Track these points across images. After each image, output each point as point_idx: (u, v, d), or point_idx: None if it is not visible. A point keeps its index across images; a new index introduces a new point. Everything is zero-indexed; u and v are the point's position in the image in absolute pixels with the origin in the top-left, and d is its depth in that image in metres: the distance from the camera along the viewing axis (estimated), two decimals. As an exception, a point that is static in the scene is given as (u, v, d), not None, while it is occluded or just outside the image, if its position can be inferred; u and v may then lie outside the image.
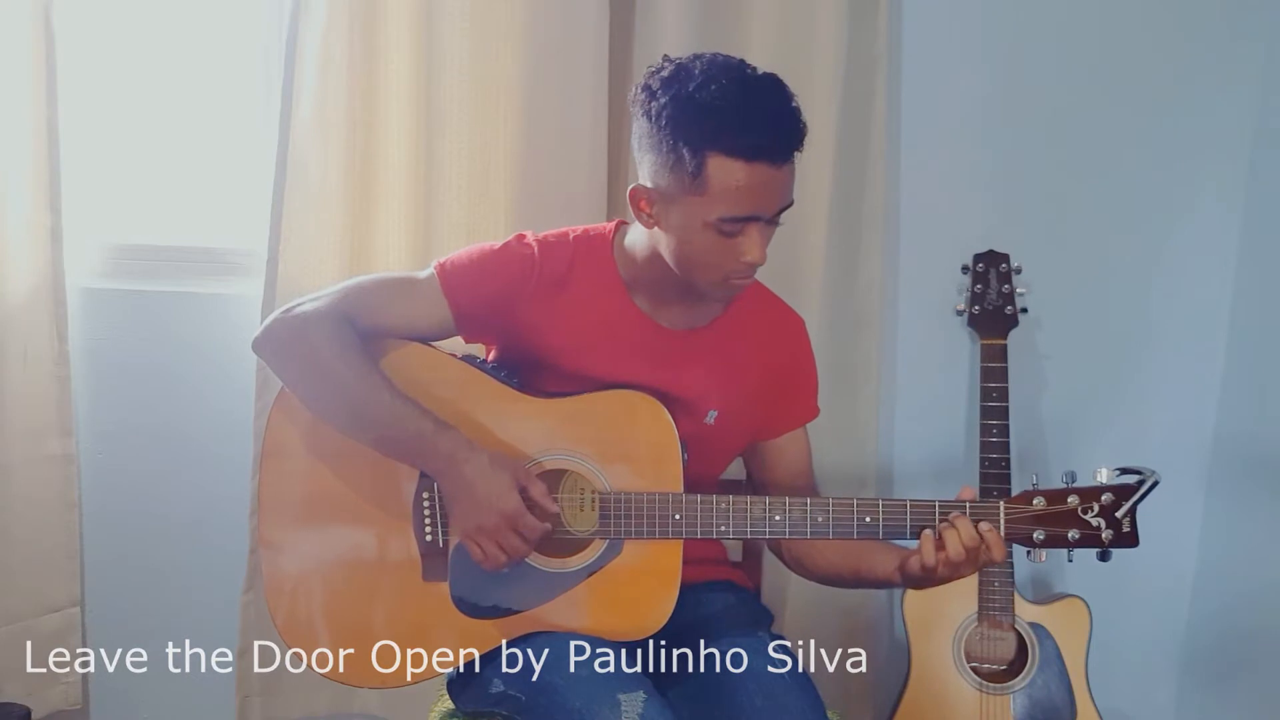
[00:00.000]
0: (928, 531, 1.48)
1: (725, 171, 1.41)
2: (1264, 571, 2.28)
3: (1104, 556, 1.49)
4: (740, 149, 1.40)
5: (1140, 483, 1.46)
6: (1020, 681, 2.14)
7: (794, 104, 1.45)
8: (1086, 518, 1.47)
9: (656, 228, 1.51)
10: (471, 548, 1.50)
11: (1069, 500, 1.48)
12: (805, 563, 1.67)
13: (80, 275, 2.19)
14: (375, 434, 1.54)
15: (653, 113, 1.45)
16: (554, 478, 1.56)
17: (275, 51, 2.14)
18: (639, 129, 1.49)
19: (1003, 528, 1.48)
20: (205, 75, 2.27)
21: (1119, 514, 1.47)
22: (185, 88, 2.27)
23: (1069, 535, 1.48)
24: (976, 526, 1.46)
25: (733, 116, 1.40)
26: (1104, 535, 1.47)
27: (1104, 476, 1.48)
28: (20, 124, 2.03)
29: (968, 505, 1.48)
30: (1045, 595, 2.34)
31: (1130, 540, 1.47)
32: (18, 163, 2.04)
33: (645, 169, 1.49)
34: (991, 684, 2.15)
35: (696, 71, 1.43)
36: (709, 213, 1.43)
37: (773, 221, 1.49)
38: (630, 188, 1.51)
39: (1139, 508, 1.47)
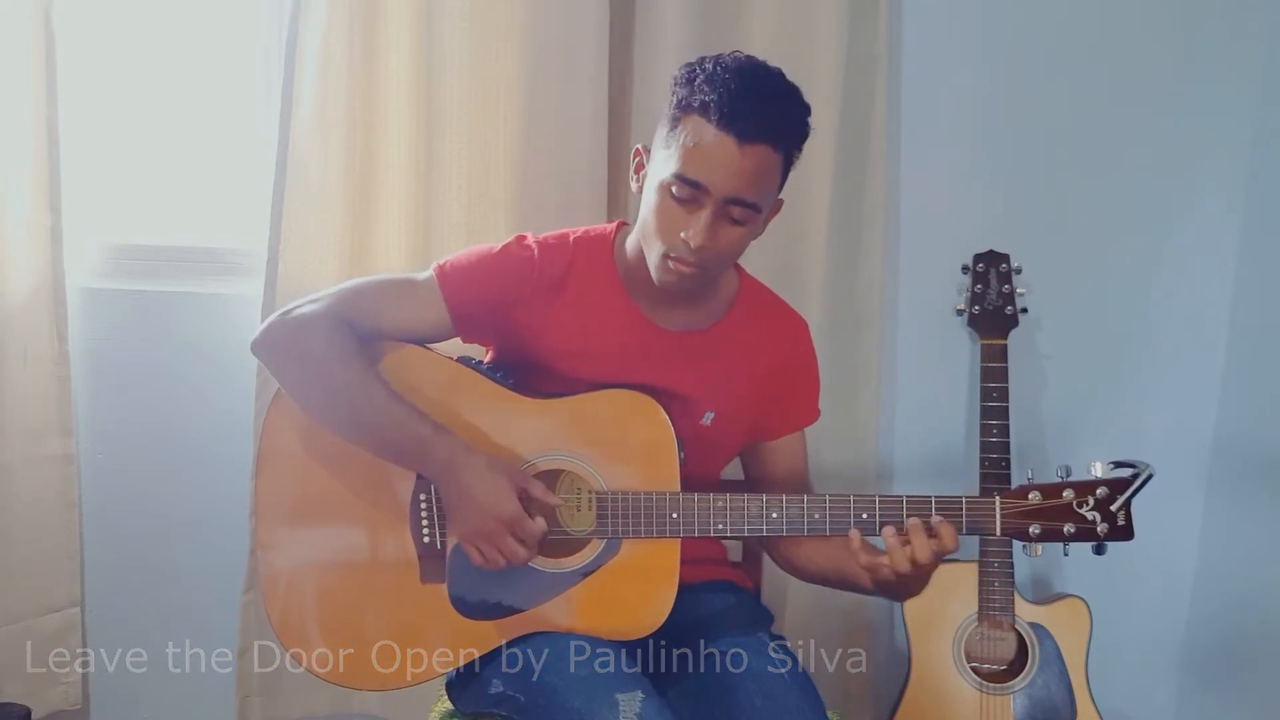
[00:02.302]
0: (889, 528, 1.47)
1: (693, 129, 1.44)
2: (1264, 571, 2.28)
3: (1099, 550, 1.49)
4: (713, 112, 1.42)
5: (1135, 476, 1.46)
6: (1020, 681, 2.14)
7: (793, 101, 1.47)
8: (1082, 512, 1.47)
9: (640, 193, 1.54)
10: (470, 552, 1.50)
11: (1064, 494, 1.48)
12: (795, 563, 1.68)
13: (80, 275, 2.19)
14: (372, 437, 1.54)
15: (673, 81, 1.50)
16: (550, 478, 1.56)
17: (275, 51, 2.14)
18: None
19: (998, 522, 1.48)
20: (205, 75, 2.27)
21: (1114, 507, 1.47)
22: (185, 88, 2.27)
23: (1064, 529, 1.48)
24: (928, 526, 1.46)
25: (721, 86, 1.43)
26: (1099, 529, 1.47)
27: (1099, 470, 1.48)
28: (20, 124, 2.03)
29: (964, 500, 1.48)
30: (1045, 595, 2.34)
31: (1125, 534, 1.47)
32: (18, 163, 2.04)
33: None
34: (992, 684, 2.15)
35: (726, 54, 1.49)
36: (667, 168, 1.46)
37: (725, 213, 1.46)
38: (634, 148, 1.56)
39: (1135, 501, 1.47)
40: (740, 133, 1.42)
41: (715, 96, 1.42)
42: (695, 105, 1.44)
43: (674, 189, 1.45)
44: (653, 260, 1.52)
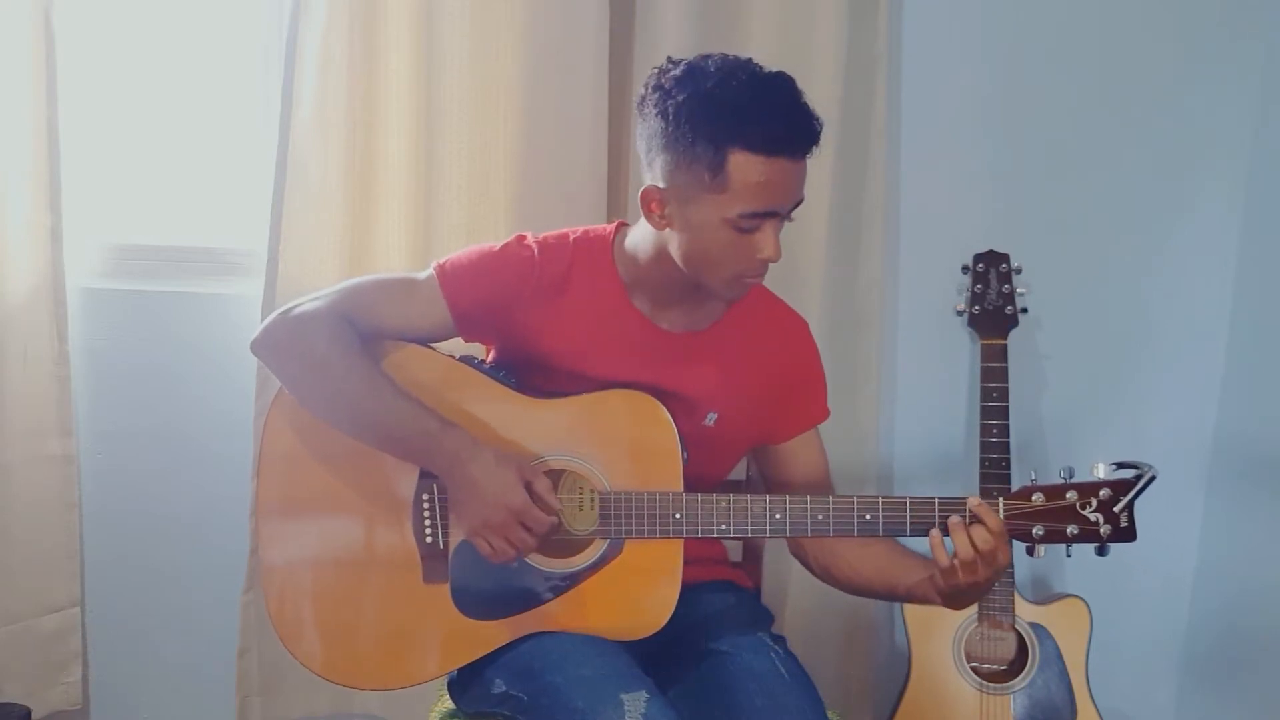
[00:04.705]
0: (935, 531, 1.47)
1: (746, 167, 1.41)
2: (1264, 571, 2.28)
3: (1102, 551, 1.49)
4: (761, 144, 1.40)
5: (1138, 477, 1.46)
6: (1020, 681, 2.14)
7: (805, 100, 1.45)
8: (1085, 513, 1.47)
9: (668, 228, 1.51)
10: (479, 544, 1.50)
11: (1067, 496, 1.48)
12: (833, 573, 1.65)
13: (80, 275, 2.19)
14: (378, 433, 1.54)
15: (669, 111, 1.44)
16: (553, 478, 1.56)
17: (275, 52, 2.14)
18: (650, 129, 1.48)
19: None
20: (205, 75, 2.27)
21: (1117, 509, 1.47)
22: (185, 88, 2.27)
23: (1068, 531, 1.48)
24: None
25: (753, 112, 1.40)
26: (1102, 530, 1.47)
27: (1101, 472, 1.48)
28: (20, 124, 2.03)
29: (968, 501, 1.48)
30: (1045, 595, 2.35)
31: (1128, 535, 1.48)
32: (18, 163, 2.04)
33: (657, 169, 1.48)
34: (992, 684, 2.15)
35: (711, 69, 1.44)
36: (728, 209, 1.43)
37: (787, 217, 1.49)
38: (641, 189, 1.50)
39: (1137, 502, 1.47)
40: (792, 153, 1.42)
41: (763, 131, 1.40)
42: (740, 141, 1.40)
43: (742, 224, 1.44)
44: (721, 281, 1.51)
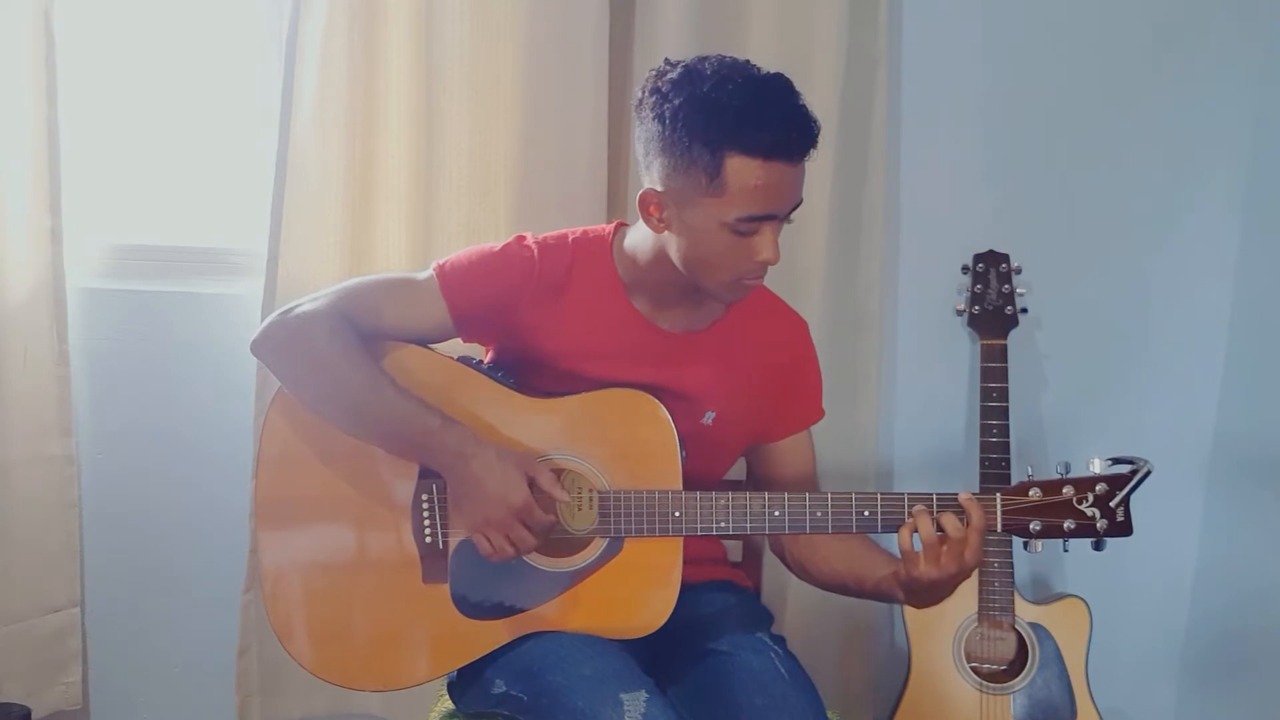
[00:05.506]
0: (910, 520, 1.47)
1: (744, 171, 1.41)
2: (1264, 571, 2.28)
3: (1098, 546, 1.49)
4: (759, 147, 1.40)
5: (1134, 472, 1.47)
6: (1020, 682, 2.14)
7: (803, 103, 1.45)
8: (1081, 508, 1.48)
9: (667, 231, 1.51)
10: (480, 541, 1.49)
11: (1064, 491, 1.48)
12: (808, 567, 1.66)
13: (80, 275, 2.19)
14: (379, 431, 1.54)
15: (665, 115, 1.43)
16: (553, 477, 1.57)
17: (275, 51, 2.14)
18: (648, 132, 1.47)
19: (1000, 519, 1.48)
20: (205, 75, 2.27)
21: (1113, 503, 1.47)
22: (185, 88, 2.27)
23: (1064, 525, 1.48)
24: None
25: (750, 116, 1.40)
26: (1099, 525, 1.48)
27: (1097, 467, 1.49)
28: (20, 124, 2.03)
29: (959, 497, 1.48)
30: (1045, 595, 2.35)
31: (1124, 529, 1.48)
32: (18, 163, 2.04)
33: (655, 173, 1.48)
34: (991, 684, 2.15)
35: (708, 72, 1.43)
36: (726, 213, 1.43)
37: (785, 219, 1.49)
38: (639, 193, 1.50)
39: (1135, 499, 1.47)
40: (789, 156, 1.42)
41: (760, 135, 1.39)
42: (737, 145, 1.40)
43: (740, 228, 1.44)
44: (719, 284, 1.51)
